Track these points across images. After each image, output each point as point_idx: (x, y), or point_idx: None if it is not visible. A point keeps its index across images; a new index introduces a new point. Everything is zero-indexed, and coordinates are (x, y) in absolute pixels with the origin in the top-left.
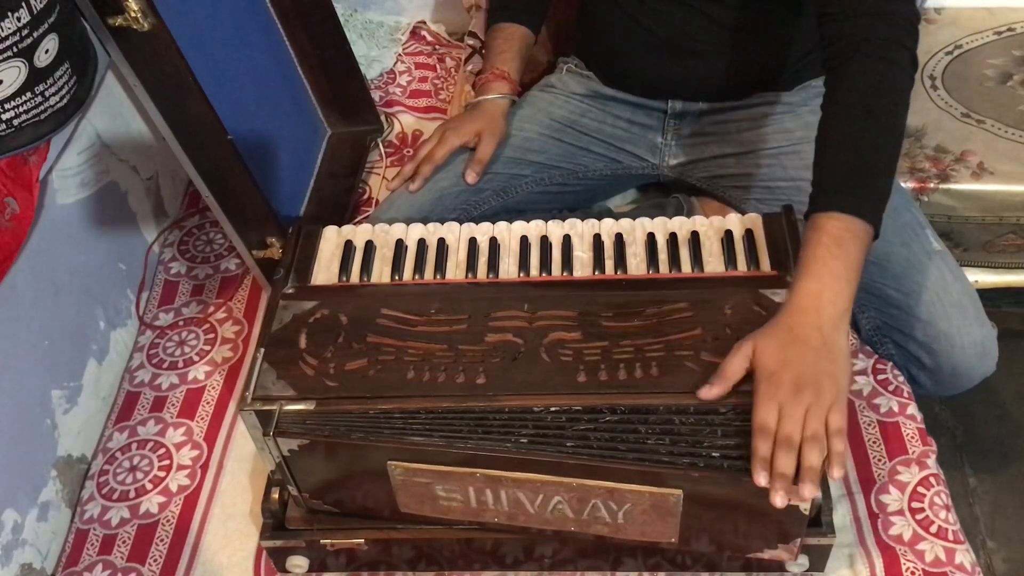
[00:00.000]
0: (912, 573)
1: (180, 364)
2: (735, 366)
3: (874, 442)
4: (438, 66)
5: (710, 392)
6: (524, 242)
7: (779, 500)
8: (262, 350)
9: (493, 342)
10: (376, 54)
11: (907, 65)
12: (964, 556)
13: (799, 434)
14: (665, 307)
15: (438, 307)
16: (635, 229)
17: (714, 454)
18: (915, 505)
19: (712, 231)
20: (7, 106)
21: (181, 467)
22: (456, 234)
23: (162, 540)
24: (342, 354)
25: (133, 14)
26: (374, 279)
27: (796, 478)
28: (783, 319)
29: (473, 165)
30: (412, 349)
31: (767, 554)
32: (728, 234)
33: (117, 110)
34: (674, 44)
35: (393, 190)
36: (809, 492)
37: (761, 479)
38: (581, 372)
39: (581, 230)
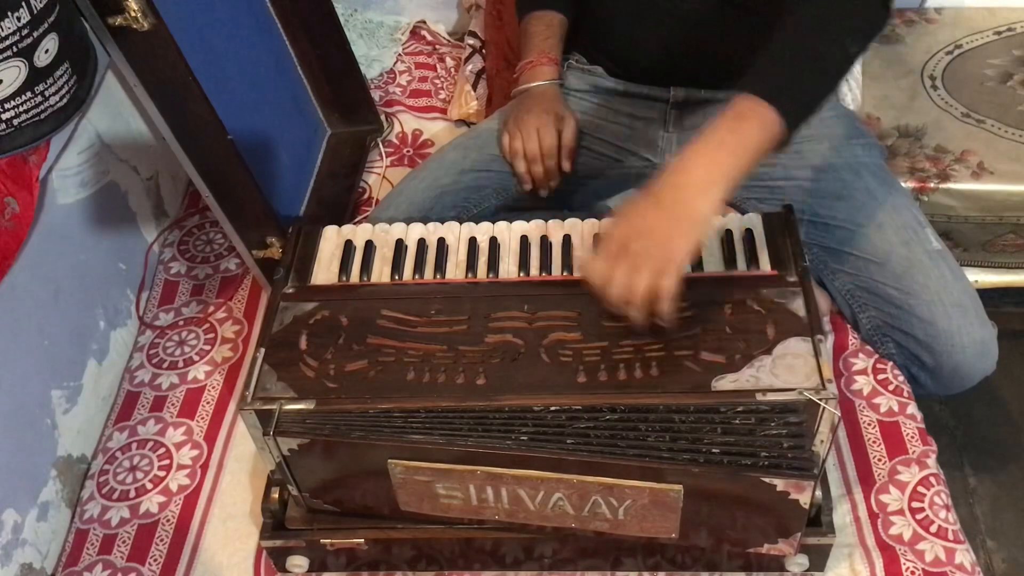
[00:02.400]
0: (912, 573)
1: (180, 364)
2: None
3: (874, 442)
4: (438, 66)
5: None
6: (524, 242)
7: None
8: (262, 351)
9: (493, 343)
10: (376, 54)
11: (878, 5)
12: (964, 556)
13: (621, 294)
14: None
15: (438, 308)
16: None
17: (714, 450)
18: (915, 505)
19: (712, 231)
20: (7, 106)
21: (181, 467)
22: (456, 234)
23: (162, 540)
24: (342, 355)
25: (133, 14)
26: (374, 279)
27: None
28: (655, 179)
29: (568, 153)
30: (412, 350)
31: (767, 549)
32: (728, 234)
33: (117, 110)
34: (679, 21)
35: (526, 193)
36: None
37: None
38: (581, 372)
39: (581, 230)
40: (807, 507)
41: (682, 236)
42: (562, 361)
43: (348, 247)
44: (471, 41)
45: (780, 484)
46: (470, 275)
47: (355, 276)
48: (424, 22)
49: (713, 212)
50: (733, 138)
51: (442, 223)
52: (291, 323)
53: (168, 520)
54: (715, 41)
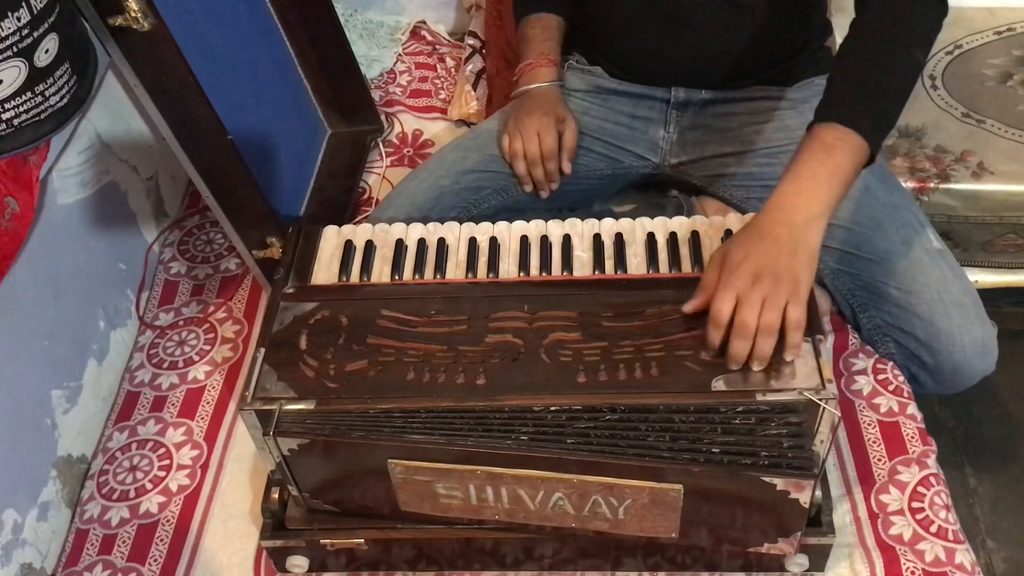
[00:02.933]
0: (912, 573)
1: (180, 364)
2: (710, 274)
3: (874, 442)
4: (438, 66)
5: (690, 306)
6: (524, 242)
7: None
8: (262, 351)
9: (493, 343)
10: (376, 54)
11: (935, 3)
12: (964, 556)
13: (755, 322)
14: (665, 307)
15: (438, 307)
16: (635, 229)
17: (714, 450)
18: (915, 505)
19: (712, 231)
20: (7, 106)
21: (181, 467)
22: (456, 234)
23: (162, 540)
24: (342, 355)
25: (133, 14)
26: (374, 279)
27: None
28: (756, 218)
29: (568, 155)
30: (412, 350)
31: (767, 548)
32: (728, 233)
33: (117, 110)
34: (680, 22)
35: (526, 194)
36: (757, 367)
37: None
38: (581, 372)
39: (581, 230)
40: (807, 506)
41: (803, 268)
42: (562, 361)
43: (348, 247)
44: (471, 41)
45: (780, 483)
46: (470, 275)
47: (355, 276)
48: (424, 22)
49: (820, 241)
50: (825, 170)
51: (442, 223)
52: (291, 323)
53: (168, 520)
54: (716, 43)
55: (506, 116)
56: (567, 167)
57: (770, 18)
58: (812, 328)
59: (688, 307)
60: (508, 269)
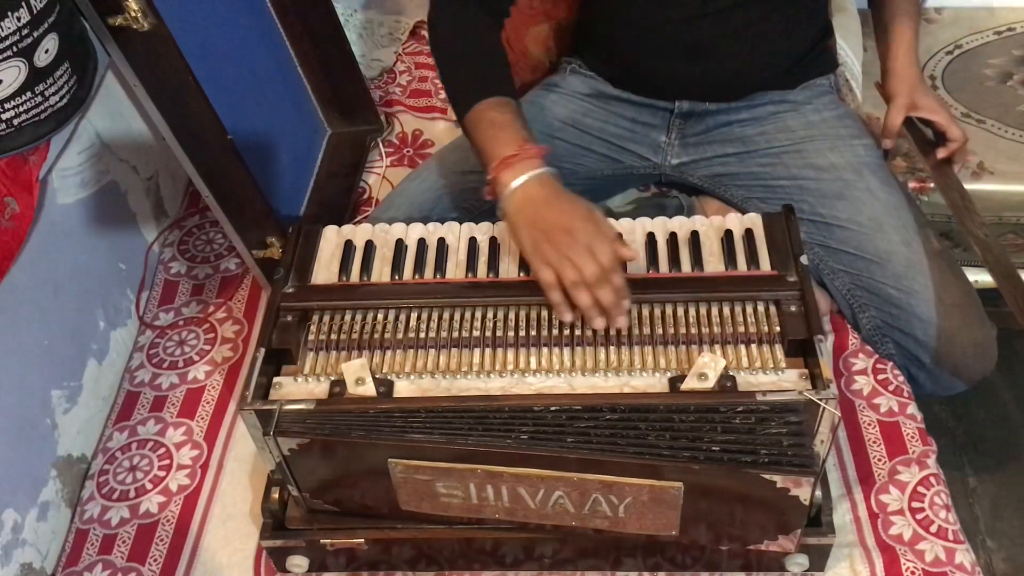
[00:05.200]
0: (912, 573)
1: (180, 364)
2: (895, 120)
3: (874, 442)
4: None
5: (885, 145)
6: None
7: None
8: (262, 350)
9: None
10: (376, 54)
11: None
12: (964, 556)
13: None
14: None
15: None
16: (635, 229)
17: (714, 448)
18: (915, 505)
19: (712, 231)
20: (7, 106)
21: (181, 467)
22: (456, 234)
23: (162, 540)
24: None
25: (133, 14)
26: (374, 279)
27: None
28: (918, 70)
29: (627, 252)
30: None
31: (767, 545)
32: (728, 234)
33: (117, 110)
34: (686, 46)
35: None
36: None
37: None
38: None
39: None
40: (807, 503)
41: None
42: None
43: (348, 247)
44: None
45: (780, 480)
46: (470, 275)
47: (355, 276)
48: (424, 22)
49: None
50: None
51: (442, 223)
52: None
53: (168, 520)
54: (725, 65)
55: (513, 232)
56: (630, 254)
57: (779, 35)
58: (812, 328)
59: (885, 145)
60: (508, 269)
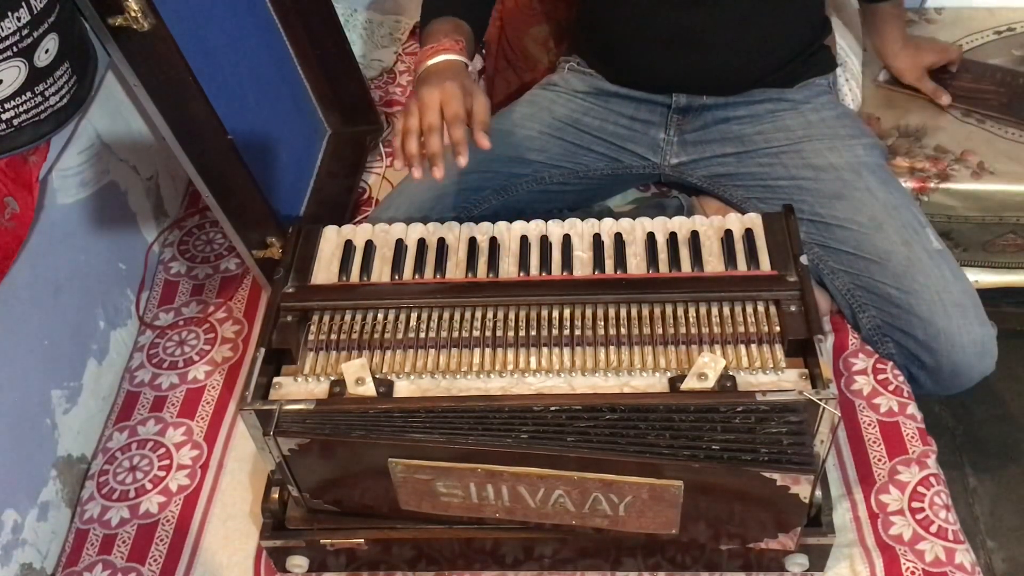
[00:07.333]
0: (912, 573)
1: (180, 364)
2: (927, 86)
3: (874, 442)
4: None
5: (946, 101)
6: (524, 242)
7: None
8: (262, 350)
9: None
10: (376, 54)
11: None
12: (964, 556)
13: None
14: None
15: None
16: (635, 229)
17: (714, 447)
18: (915, 505)
19: (712, 231)
20: (7, 106)
21: (181, 467)
22: (456, 234)
23: (162, 540)
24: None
25: (133, 14)
26: (374, 279)
27: None
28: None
29: (481, 127)
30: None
31: (767, 543)
32: (728, 233)
33: (117, 110)
34: (681, 36)
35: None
36: None
37: None
38: None
39: (581, 230)
40: (807, 501)
41: None
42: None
43: (348, 247)
44: None
45: (779, 478)
46: (470, 275)
47: (355, 276)
48: None
49: None
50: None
51: (442, 223)
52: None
53: (168, 520)
54: (719, 56)
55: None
56: (482, 140)
57: (773, 28)
58: (812, 328)
59: (945, 100)
60: (508, 269)
